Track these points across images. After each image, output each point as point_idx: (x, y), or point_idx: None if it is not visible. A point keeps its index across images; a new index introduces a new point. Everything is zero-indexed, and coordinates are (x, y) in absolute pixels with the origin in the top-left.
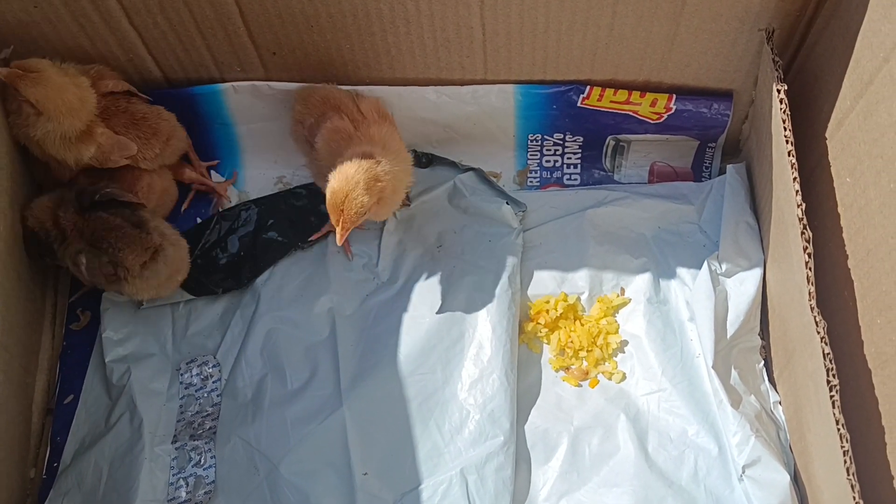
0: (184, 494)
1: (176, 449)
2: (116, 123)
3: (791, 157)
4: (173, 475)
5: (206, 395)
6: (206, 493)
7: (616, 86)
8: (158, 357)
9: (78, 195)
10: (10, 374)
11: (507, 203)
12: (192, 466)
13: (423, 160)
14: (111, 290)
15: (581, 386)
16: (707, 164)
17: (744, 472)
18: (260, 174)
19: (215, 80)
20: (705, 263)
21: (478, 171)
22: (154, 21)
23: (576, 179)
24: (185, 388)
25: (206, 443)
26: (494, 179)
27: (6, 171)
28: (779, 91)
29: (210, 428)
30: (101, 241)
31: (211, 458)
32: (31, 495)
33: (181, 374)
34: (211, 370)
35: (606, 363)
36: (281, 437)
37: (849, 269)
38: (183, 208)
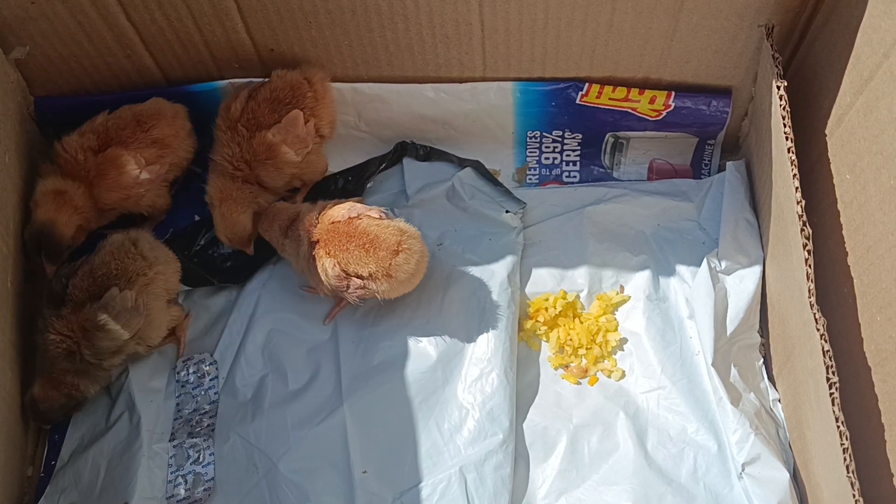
0: (182, 492)
1: (174, 447)
2: (265, 116)
3: (791, 154)
4: (172, 473)
5: (203, 392)
6: (205, 490)
7: (615, 83)
8: (156, 355)
9: (50, 295)
10: (17, 371)
11: (506, 211)
12: (191, 464)
13: (421, 153)
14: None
15: (580, 384)
16: (706, 162)
17: (743, 470)
18: None
19: (213, 78)
20: (705, 261)
21: (476, 165)
22: (152, 18)
23: (575, 177)
24: (182, 387)
25: (204, 440)
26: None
27: (14, 167)
28: (778, 87)
29: (208, 426)
30: (104, 284)
31: (210, 455)
32: (28, 493)
33: (178, 373)
34: (208, 368)
35: (606, 361)
36: (281, 435)
37: (848, 266)
38: None
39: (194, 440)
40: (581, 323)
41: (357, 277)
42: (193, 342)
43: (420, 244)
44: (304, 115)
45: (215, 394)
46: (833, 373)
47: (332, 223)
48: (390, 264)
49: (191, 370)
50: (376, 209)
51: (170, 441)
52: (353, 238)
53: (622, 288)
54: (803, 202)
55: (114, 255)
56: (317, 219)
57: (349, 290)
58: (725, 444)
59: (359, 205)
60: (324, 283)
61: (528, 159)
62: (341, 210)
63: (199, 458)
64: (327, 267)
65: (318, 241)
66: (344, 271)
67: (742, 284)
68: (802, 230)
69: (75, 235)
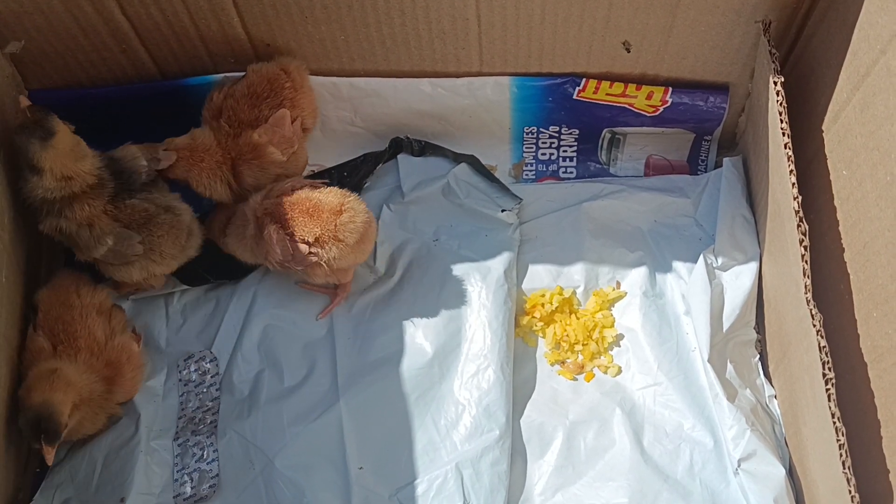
0: (189, 490)
1: (178, 445)
2: (245, 113)
3: (787, 150)
4: (177, 471)
5: (205, 390)
6: (210, 486)
7: (612, 78)
8: (153, 355)
9: (118, 175)
10: (12, 366)
11: (502, 210)
12: (196, 462)
13: (416, 147)
14: (128, 271)
15: (576, 380)
16: (703, 158)
17: (739, 466)
18: None
19: (209, 72)
20: (701, 257)
21: (471, 161)
22: (147, 12)
23: (571, 172)
24: (185, 385)
25: (207, 437)
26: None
27: (9, 162)
28: (775, 83)
29: (211, 422)
30: (144, 227)
31: (213, 451)
32: (24, 489)
33: (180, 371)
34: (209, 365)
35: (602, 357)
36: (277, 431)
37: (845, 263)
38: None
39: (198, 437)
40: (577, 319)
41: (304, 244)
42: (190, 340)
43: (364, 207)
44: (287, 109)
45: (217, 390)
46: (829, 369)
47: (276, 198)
48: (335, 225)
49: (192, 368)
50: (319, 182)
51: (174, 440)
52: (296, 205)
53: (618, 284)
54: (800, 198)
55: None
56: (259, 200)
57: (296, 258)
58: (721, 440)
59: (301, 179)
60: (272, 253)
61: (525, 155)
62: (284, 186)
63: (202, 455)
64: (272, 233)
65: (262, 216)
66: (288, 236)
67: (738, 281)
68: (799, 226)
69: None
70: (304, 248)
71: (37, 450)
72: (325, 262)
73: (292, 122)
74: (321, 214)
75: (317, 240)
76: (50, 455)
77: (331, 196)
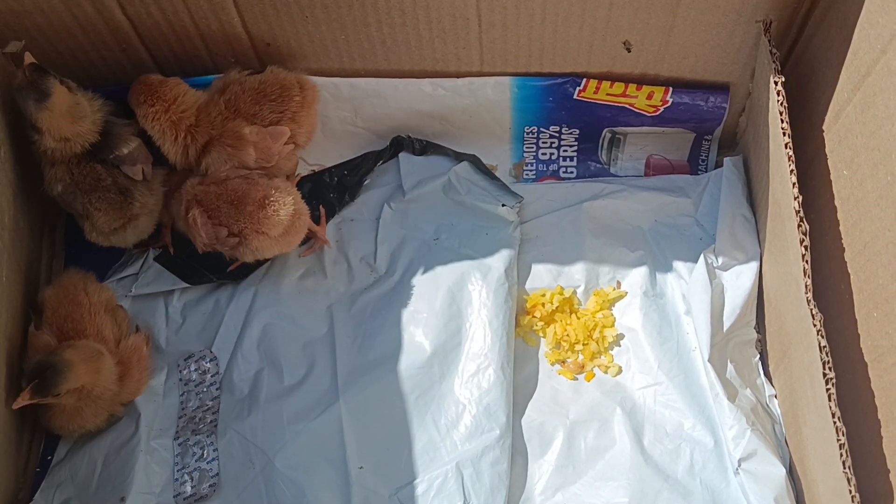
0: (189, 489)
1: (179, 445)
2: (246, 105)
3: (788, 150)
4: (178, 471)
5: (205, 389)
6: (210, 486)
7: (612, 78)
8: (153, 355)
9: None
10: (12, 365)
11: (503, 205)
12: (196, 461)
13: (416, 147)
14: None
15: (577, 379)
16: (703, 157)
17: (740, 466)
18: None
19: (209, 72)
20: (702, 257)
21: (472, 160)
22: (147, 11)
23: (572, 172)
24: (185, 385)
25: (207, 436)
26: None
27: (9, 161)
28: (776, 83)
29: (211, 422)
30: (88, 194)
31: (213, 451)
32: (24, 489)
33: (180, 371)
34: (209, 364)
35: (602, 357)
36: (277, 430)
37: (845, 262)
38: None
39: (198, 437)
40: (578, 319)
41: (232, 236)
42: (190, 339)
43: (291, 199)
44: (285, 120)
45: (217, 390)
46: (829, 368)
47: (207, 185)
48: (258, 219)
49: (192, 367)
50: (256, 171)
51: (175, 439)
52: (223, 196)
53: (619, 284)
54: (800, 198)
55: None
56: (195, 184)
57: (220, 241)
58: (722, 439)
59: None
60: (198, 237)
61: (526, 155)
62: (219, 174)
63: (202, 454)
64: (196, 217)
65: (191, 200)
66: (209, 220)
67: (739, 280)
68: (799, 226)
69: None
70: (223, 230)
71: (21, 393)
72: (250, 250)
73: (286, 143)
74: (245, 207)
75: (241, 232)
76: (21, 402)
77: (258, 188)
